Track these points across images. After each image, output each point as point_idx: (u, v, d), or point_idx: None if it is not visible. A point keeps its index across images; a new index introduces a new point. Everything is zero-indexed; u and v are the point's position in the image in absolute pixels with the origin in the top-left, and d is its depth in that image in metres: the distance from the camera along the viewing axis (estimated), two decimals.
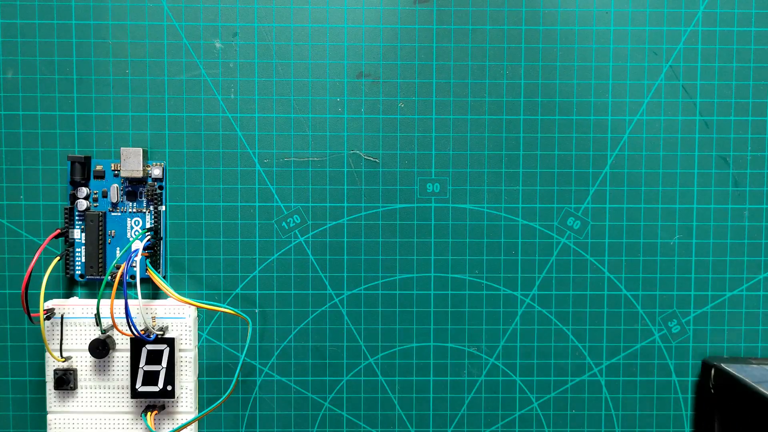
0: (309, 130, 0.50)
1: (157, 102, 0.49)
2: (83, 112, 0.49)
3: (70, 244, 0.48)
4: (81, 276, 0.49)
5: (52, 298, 0.49)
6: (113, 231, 0.49)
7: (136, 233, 0.48)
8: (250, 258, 0.50)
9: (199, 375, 0.50)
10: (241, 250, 0.50)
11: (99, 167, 0.49)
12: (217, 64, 0.49)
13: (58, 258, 0.47)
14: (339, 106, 0.50)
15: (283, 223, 0.50)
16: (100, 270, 0.48)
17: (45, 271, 0.46)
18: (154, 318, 0.48)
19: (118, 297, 0.45)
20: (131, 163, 0.48)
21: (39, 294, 0.45)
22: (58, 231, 0.48)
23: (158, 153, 0.49)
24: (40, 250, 0.46)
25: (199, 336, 0.50)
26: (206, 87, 0.49)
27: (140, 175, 0.48)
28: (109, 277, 0.47)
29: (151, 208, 0.48)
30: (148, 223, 0.49)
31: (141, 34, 0.49)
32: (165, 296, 0.48)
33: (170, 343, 0.47)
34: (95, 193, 0.48)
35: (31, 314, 0.45)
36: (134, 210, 0.49)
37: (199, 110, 0.49)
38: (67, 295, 0.50)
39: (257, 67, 0.49)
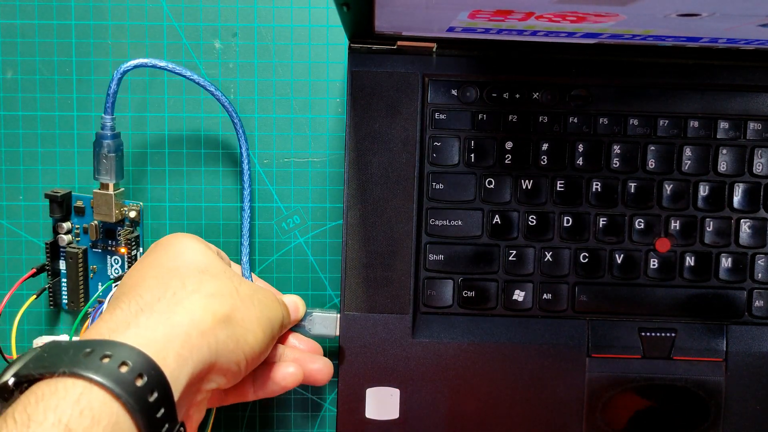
0: (309, 130, 0.50)
1: (156, 102, 0.49)
2: (82, 112, 0.49)
3: (55, 274, 0.48)
4: (68, 305, 0.48)
5: (38, 334, 0.49)
6: (95, 267, 0.48)
7: (116, 271, 0.48)
8: (250, 259, 0.50)
9: None
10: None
11: (79, 203, 0.48)
12: (216, 65, 0.49)
13: (35, 296, 0.47)
14: (339, 107, 0.49)
15: (283, 224, 0.50)
16: (81, 304, 0.48)
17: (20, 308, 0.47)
18: None
19: None
20: (103, 207, 0.46)
21: (15, 329, 0.46)
22: (34, 270, 0.47)
23: (158, 154, 0.49)
24: (12, 291, 0.46)
25: None
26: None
27: (113, 220, 0.46)
28: (89, 310, 0.47)
29: (126, 252, 0.48)
30: (127, 265, 0.48)
31: (140, 34, 0.49)
32: None
33: None
34: (77, 228, 0.48)
35: (5, 355, 0.46)
36: (113, 249, 0.48)
37: (199, 111, 0.49)
38: (51, 329, 0.50)
39: (257, 68, 0.49)
